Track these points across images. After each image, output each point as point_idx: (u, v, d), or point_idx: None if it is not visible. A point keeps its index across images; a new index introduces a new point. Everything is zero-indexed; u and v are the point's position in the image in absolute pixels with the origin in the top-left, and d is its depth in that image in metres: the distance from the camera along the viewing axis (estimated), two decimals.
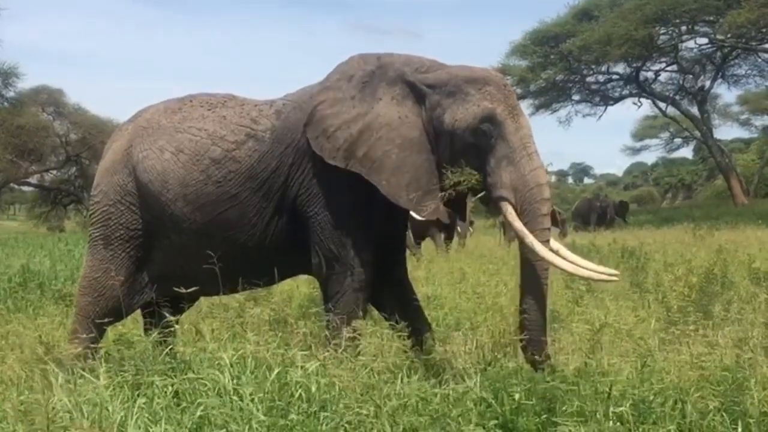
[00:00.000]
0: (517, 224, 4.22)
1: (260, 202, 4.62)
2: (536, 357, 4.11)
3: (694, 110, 37.53)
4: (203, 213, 4.64)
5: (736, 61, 36.52)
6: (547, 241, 4.24)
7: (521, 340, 4.20)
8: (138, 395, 3.56)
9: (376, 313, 4.99)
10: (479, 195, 4.49)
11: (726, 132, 73.62)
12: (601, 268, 4.41)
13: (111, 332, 5.06)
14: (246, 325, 4.41)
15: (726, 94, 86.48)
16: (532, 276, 4.27)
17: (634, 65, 35.90)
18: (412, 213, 4.78)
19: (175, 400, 3.55)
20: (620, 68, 36.87)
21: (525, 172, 4.25)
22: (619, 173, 73.53)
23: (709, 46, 35.08)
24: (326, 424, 3.28)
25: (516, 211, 4.25)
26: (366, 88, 4.54)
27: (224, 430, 3.23)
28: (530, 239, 4.17)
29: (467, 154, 4.35)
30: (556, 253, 4.27)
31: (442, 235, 14.63)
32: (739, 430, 3.32)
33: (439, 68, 4.57)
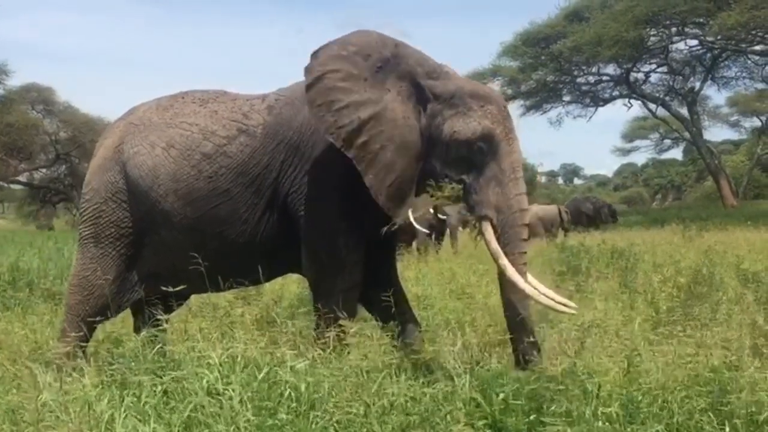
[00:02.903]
0: (494, 245, 4.27)
1: (251, 198, 4.60)
2: (526, 357, 4.14)
3: (684, 111, 37.70)
4: (194, 208, 4.62)
5: (726, 62, 36.66)
6: (524, 264, 4.30)
7: (512, 340, 4.23)
8: (126, 394, 3.55)
9: (365, 312, 4.98)
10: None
11: (715, 133, 73.89)
12: (560, 299, 4.43)
13: (100, 331, 5.05)
14: (235, 325, 4.40)
15: (716, 95, 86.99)
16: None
17: (625, 66, 35.99)
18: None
19: (164, 399, 3.54)
20: (611, 69, 37.02)
21: (511, 196, 4.31)
22: (609, 174, 73.82)
23: (699, 47, 35.24)
24: (315, 424, 3.27)
25: (495, 231, 4.29)
26: (378, 74, 4.46)
27: (211, 429, 3.22)
28: (503, 261, 4.23)
29: (458, 165, 4.37)
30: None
31: (433, 236, 14.63)
32: (727, 430, 3.34)
33: (448, 77, 4.54)
